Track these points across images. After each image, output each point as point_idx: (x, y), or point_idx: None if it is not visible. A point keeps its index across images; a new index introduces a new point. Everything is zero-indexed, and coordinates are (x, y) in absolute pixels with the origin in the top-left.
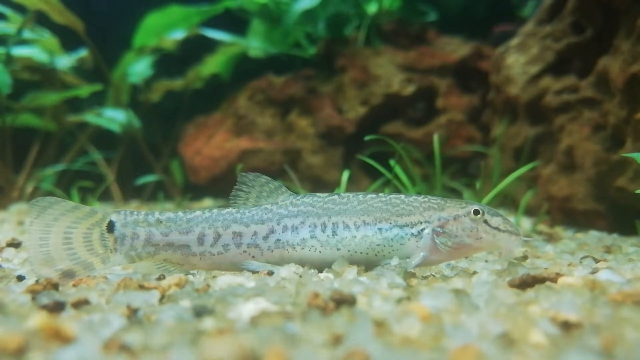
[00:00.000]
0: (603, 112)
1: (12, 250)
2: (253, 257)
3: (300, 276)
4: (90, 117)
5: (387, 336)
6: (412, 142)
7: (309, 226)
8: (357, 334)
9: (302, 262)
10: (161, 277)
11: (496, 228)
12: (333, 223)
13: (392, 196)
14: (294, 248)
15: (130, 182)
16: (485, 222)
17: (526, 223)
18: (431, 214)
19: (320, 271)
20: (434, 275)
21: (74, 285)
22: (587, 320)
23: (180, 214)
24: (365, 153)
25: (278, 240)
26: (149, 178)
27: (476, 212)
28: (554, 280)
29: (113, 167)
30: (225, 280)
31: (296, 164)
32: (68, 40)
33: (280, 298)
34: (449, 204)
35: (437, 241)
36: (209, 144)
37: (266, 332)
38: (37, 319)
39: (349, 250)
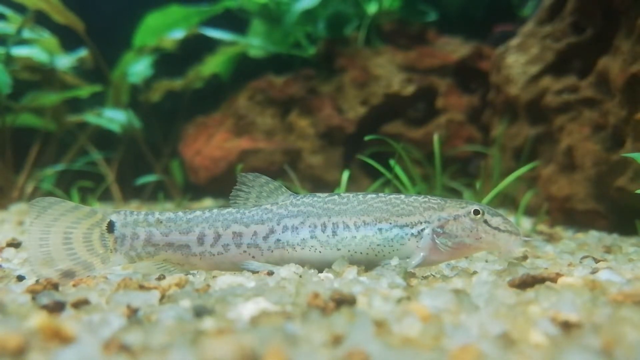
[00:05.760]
0: (603, 112)
1: (12, 250)
2: (253, 257)
3: (300, 276)
4: (90, 117)
5: (387, 336)
6: (412, 142)
7: (309, 226)
8: (357, 334)
9: (302, 262)
10: (161, 277)
11: (496, 228)
12: (333, 223)
13: (392, 196)
14: (294, 248)
15: (130, 182)
16: (485, 222)
17: (526, 223)
18: (431, 214)
19: (320, 271)
20: (434, 275)
21: (74, 285)
22: (587, 320)
23: (180, 214)
24: (365, 153)
25: (278, 240)
26: (149, 178)
27: (476, 212)
28: (554, 280)
29: (113, 167)
30: (225, 280)
31: (296, 164)
32: (68, 40)
33: (280, 298)
34: (448, 204)
35: (437, 241)
36: (209, 144)
37: (266, 332)
38: (37, 319)
39: (349, 251)
